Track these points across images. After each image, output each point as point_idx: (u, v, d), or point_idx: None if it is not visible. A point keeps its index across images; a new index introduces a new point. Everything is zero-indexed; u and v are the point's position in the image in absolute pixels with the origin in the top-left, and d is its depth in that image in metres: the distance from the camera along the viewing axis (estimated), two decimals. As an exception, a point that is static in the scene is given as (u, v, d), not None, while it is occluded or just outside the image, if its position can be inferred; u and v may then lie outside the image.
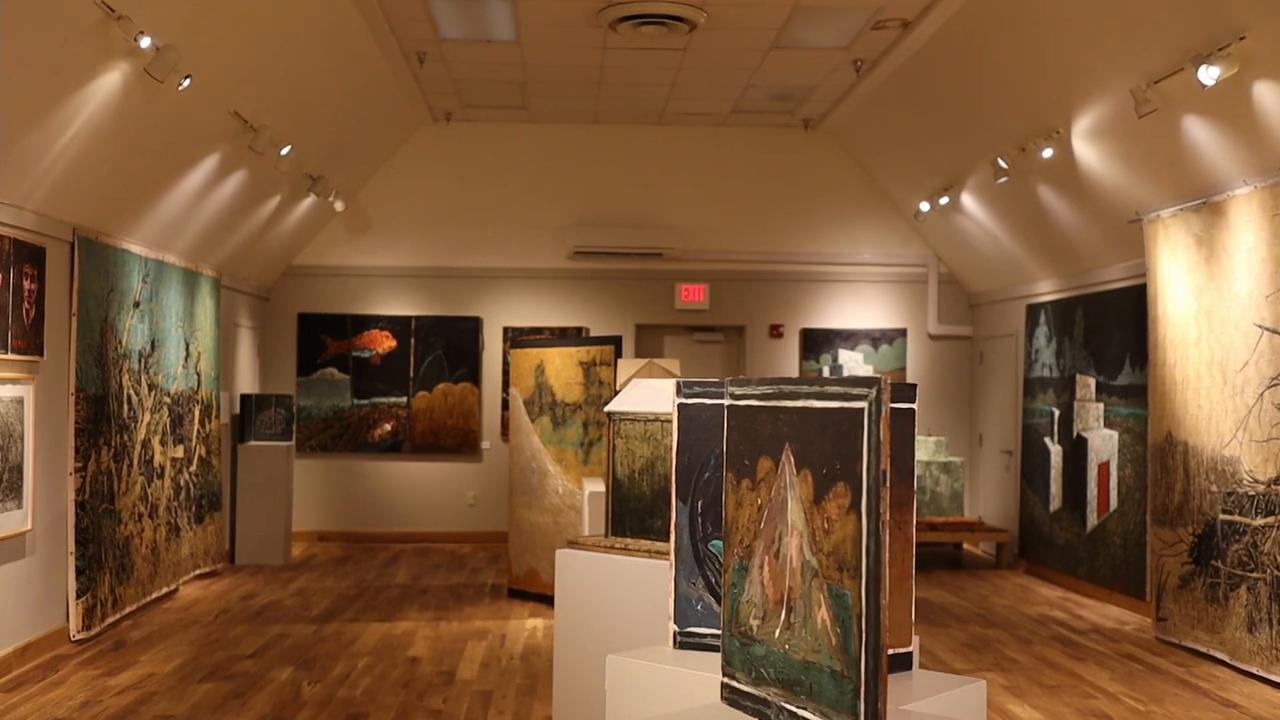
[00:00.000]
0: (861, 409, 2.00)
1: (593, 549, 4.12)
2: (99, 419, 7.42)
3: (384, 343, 11.88)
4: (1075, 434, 9.58)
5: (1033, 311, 10.53)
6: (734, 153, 12.03)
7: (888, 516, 1.97)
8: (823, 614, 2.07)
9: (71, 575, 7.05)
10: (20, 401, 6.45)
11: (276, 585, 9.36)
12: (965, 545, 11.69)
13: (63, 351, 7.03)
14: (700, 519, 2.78)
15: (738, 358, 12.38)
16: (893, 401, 2.35)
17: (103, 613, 7.41)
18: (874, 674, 1.96)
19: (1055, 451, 9.97)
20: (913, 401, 2.43)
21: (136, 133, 6.97)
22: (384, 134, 11.30)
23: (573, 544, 4.22)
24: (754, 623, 2.27)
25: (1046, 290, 10.29)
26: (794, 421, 2.16)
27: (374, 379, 11.87)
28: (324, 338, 11.87)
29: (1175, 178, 7.45)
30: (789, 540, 2.17)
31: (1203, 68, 6.09)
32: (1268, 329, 6.59)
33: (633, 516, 4.07)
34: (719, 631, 2.65)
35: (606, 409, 4.20)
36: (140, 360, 8.15)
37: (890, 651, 2.41)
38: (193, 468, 9.25)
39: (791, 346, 12.14)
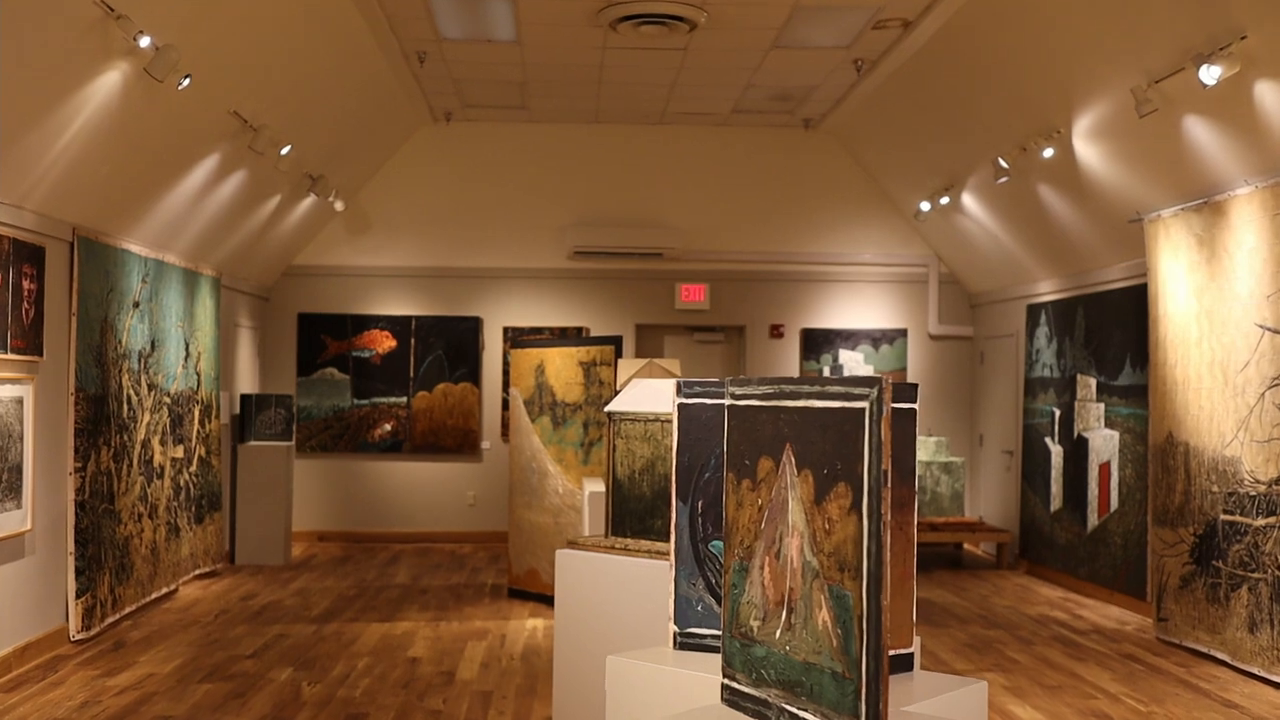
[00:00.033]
0: (863, 409, 1.99)
1: (593, 549, 4.11)
2: (99, 419, 7.42)
3: (384, 343, 11.88)
4: (1076, 434, 9.57)
5: (1033, 311, 10.52)
6: (734, 153, 12.03)
7: (889, 517, 1.96)
8: (824, 615, 2.06)
9: (71, 575, 7.05)
10: (20, 401, 6.44)
11: (276, 585, 9.35)
12: (966, 545, 11.68)
13: (62, 351, 7.02)
14: (700, 519, 2.78)
15: (738, 358, 12.37)
16: (894, 401, 2.34)
17: (102, 613, 7.40)
18: (875, 675, 1.96)
19: (1056, 452, 9.96)
20: (914, 401, 2.42)
21: (136, 132, 6.96)
22: (384, 134, 11.29)
23: (573, 544, 4.21)
24: (754, 624, 2.27)
25: (1047, 290, 10.28)
26: (795, 421, 2.15)
27: (374, 379, 11.86)
28: (324, 338, 11.87)
29: (1176, 177, 7.44)
30: (790, 541, 2.16)
31: (1204, 67, 6.08)
32: (1269, 329, 6.58)
33: (633, 517, 4.06)
34: (719, 632, 2.64)
35: (607, 409, 4.20)
36: (140, 360, 8.14)
37: (891, 652, 2.40)
38: (192, 468, 9.24)
39: (792, 347, 12.13)
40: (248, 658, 6.90)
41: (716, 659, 2.58)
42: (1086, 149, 8.15)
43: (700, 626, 2.75)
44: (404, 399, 11.86)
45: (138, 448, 8.10)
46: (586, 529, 6.94)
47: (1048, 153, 8.36)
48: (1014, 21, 7.71)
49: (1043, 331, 10.30)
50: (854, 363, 12.01)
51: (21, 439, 6.47)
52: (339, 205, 11.02)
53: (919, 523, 10.49)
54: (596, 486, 7.03)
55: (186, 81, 6.63)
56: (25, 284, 6.47)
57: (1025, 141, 8.62)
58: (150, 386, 8.33)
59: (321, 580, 9.63)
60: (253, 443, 10.50)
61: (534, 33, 8.87)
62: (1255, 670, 6.60)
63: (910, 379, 12.02)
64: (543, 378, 8.79)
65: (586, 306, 12.06)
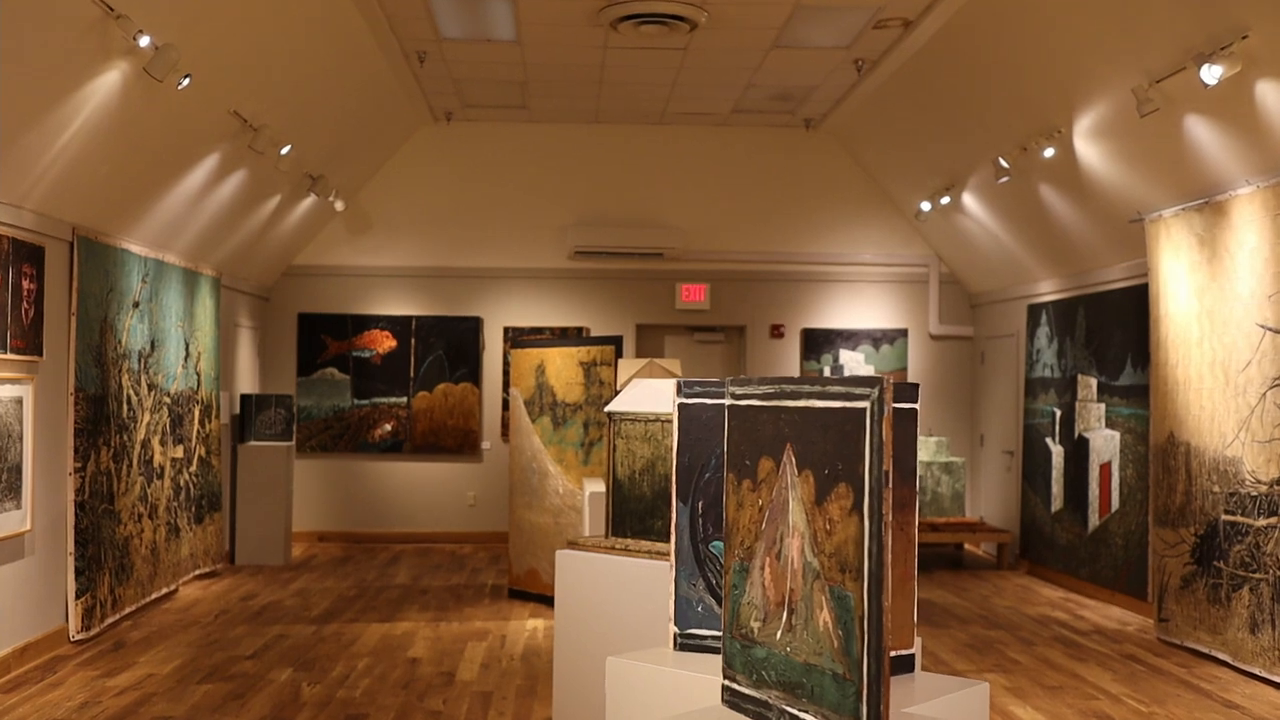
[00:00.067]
0: (864, 409, 1.98)
1: (593, 550, 4.10)
2: (98, 419, 7.41)
3: (384, 343, 11.87)
4: (1077, 434, 9.56)
5: (1034, 311, 10.51)
6: (735, 153, 12.02)
7: (890, 517, 1.95)
8: (824, 616, 2.05)
9: (71, 576, 7.04)
10: (19, 401, 6.43)
11: (276, 586, 9.34)
12: (966, 546, 11.67)
13: (62, 351, 7.01)
14: (701, 520, 2.77)
15: (738, 358, 12.36)
16: (895, 401, 2.34)
17: (102, 613, 7.39)
18: (876, 677, 1.95)
19: (1057, 452, 9.95)
20: (915, 401, 2.41)
21: (136, 132, 6.95)
22: (384, 134, 11.29)
23: (573, 544, 4.20)
24: (755, 625, 2.26)
25: (1048, 290, 10.27)
26: (795, 422, 2.14)
27: (374, 379, 11.85)
28: (324, 338, 11.86)
29: (1177, 177, 7.43)
30: (790, 541, 2.15)
31: (1205, 67, 6.07)
32: (1270, 329, 6.57)
33: (633, 517, 4.05)
34: (720, 633, 2.63)
35: (607, 409, 4.19)
36: (140, 360, 8.13)
37: (892, 654, 2.39)
38: (192, 468, 9.23)
39: (792, 346, 12.13)
40: (247, 658, 6.89)
41: (717, 660, 2.57)
42: (1087, 149, 8.14)
43: (700, 627, 2.74)
44: (404, 399, 11.86)
45: (137, 448, 8.09)
46: (587, 529, 6.93)
47: (1048, 152, 8.35)
48: (1015, 21, 7.70)
49: (1043, 331, 10.29)
50: (854, 363, 12.00)
51: (21, 439, 6.46)
52: (339, 205, 11.01)
53: (919, 523, 10.50)
54: (597, 487, 7.02)
55: (186, 81, 6.62)
56: (25, 284, 6.47)
57: (1026, 141, 8.61)
58: (150, 386, 8.33)
59: (321, 581, 9.62)
60: (253, 443, 10.49)
61: (534, 32, 8.86)
62: (1256, 671, 6.59)
63: (911, 379, 12.01)
64: (543, 378, 8.78)
65: (587, 306, 12.06)
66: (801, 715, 2.11)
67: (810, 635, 2.09)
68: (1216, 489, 7.10)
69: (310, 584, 9.45)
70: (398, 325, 11.87)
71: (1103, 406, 9.15)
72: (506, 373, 11.71)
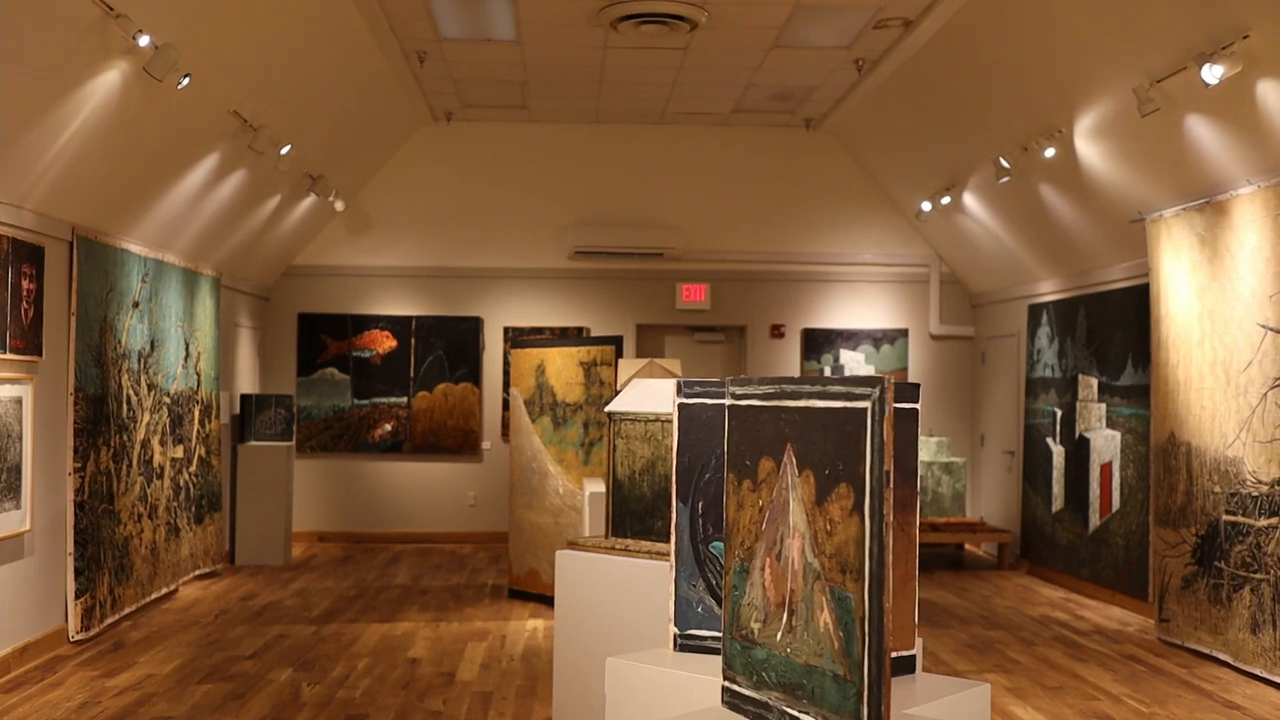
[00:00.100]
0: (864, 409, 1.97)
1: (593, 550, 4.09)
2: (98, 419, 7.40)
3: (384, 343, 11.86)
4: (1077, 434, 9.55)
5: (1035, 311, 10.51)
6: (735, 153, 12.01)
7: (891, 518, 1.94)
8: (825, 617, 2.04)
9: (70, 576, 7.03)
10: (19, 401, 6.42)
11: (276, 586, 9.33)
12: (967, 546, 11.66)
13: (61, 351, 7.01)
14: (701, 520, 2.76)
15: (739, 358, 12.36)
16: (896, 401, 2.33)
17: (102, 613, 7.39)
18: (877, 678, 1.94)
19: (1057, 452, 9.94)
20: (916, 401, 2.40)
21: (135, 132, 6.95)
22: (384, 134, 11.28)
23: (573, 545, 4.20)
24: (755, 626, 2.25)
25: (1048, 290, 10.26)
26: (796, 422, 2.14)
27: (374, 379, 11.85)
28: (324, 338, 11.85)
29: (1178, 177, 7.42)
30: (791, 542, 2.15)
31: (1206, 66, 6.06)
32: (1271, 329, 6.56)
33: (633, 517, 4.04)
34: (720, 634, 2.63)
35: (607, 409, 4.18)
36: (140, 360, 8.12)
37: (893, 655, 2.38)
38: (192, 468, 9.23)
39: (793, 346, 12.12)
40: (247, 658, 6.88)
41: (717, 661, 2.56)
42: (1088, 148, 8.13)
43: (700, 628, 2.73)
44: (404, 399, 11.85)
45: (137, 448, 8.08)
46: (587, 529, 6.93)
47: (1049, 152, 8.34)
48: (1015, 21, 7.69)
49: (1044, 331, 10.28)
50: (855, 363, 12.00)
51: (21, 439, 6.45)
52: (339, 205, 11.01)
53: (920, 523, 10.48)
54: (597, 487, 7.01)
55: (186, 81, 6.62)
56: (24, 284, 6.46)
57: (1027, 141, 8.60)
58: (150, 386, 8.32)
59: (321, 581, 9.61)
60: (253, 443, 10.49)
61: (534, 32, 8.85)
62: (1257, 671, 6.58)
63: (911, 379, 11.99)
64: (543, 378, 8.77)
65: (587, 306, 12.05)
66: (802, 717, 2.10)
67: (811, 636, 2.08)
68: (1217, 489, 7.10)
69: (310, 584, 9.44)
70: (398, 325, 11.86)
71: (1103, 406, 9.14)
72: (506, 373, 11.70)
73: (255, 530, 10.34)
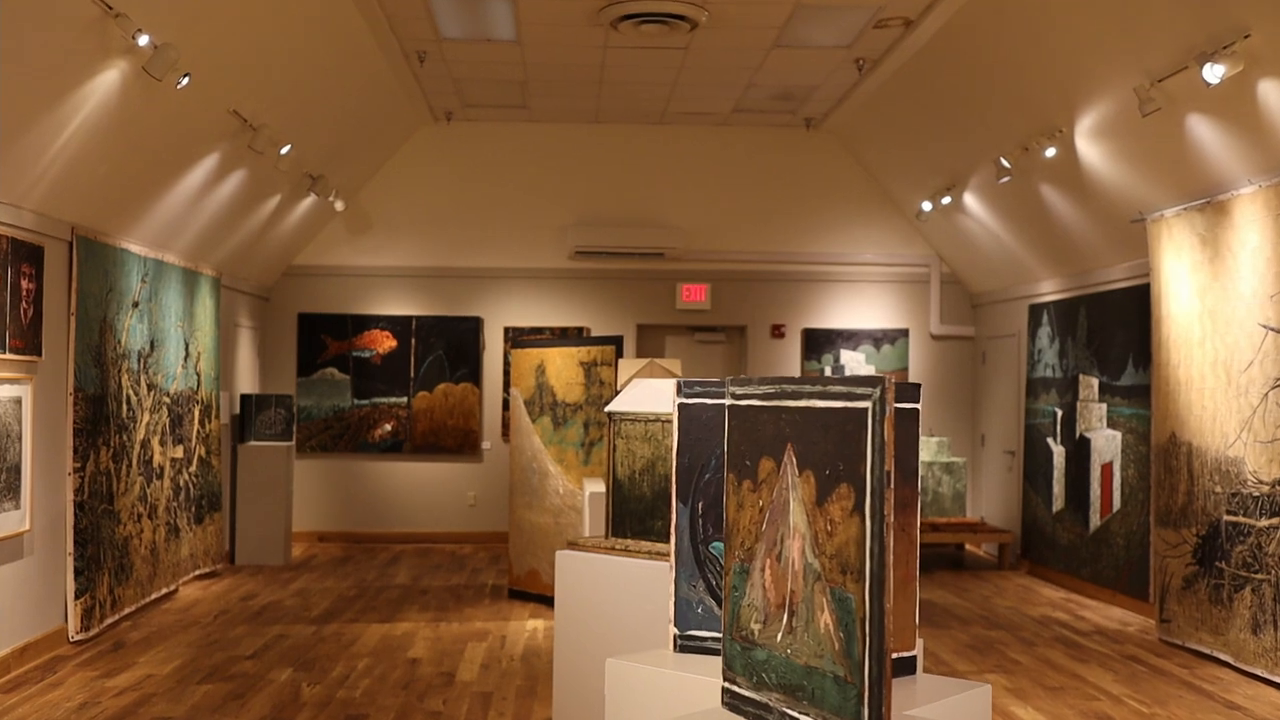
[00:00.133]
0: (865, 409, 1.96)
1: (593, 550, 4.09)
2: (98, 419, 7.40)
3: (384, 343, 11.86)
4: (1078, 434, 9.54)
5: (1035, 311, 10.50)
6: (735, 152, 12.00)
7: (892, 518, 1.93)
8: (825, 618, 2.04)
9: (70, 576, 7.02)
10: (18, 401, 6.42)
11: (276, 586, 9.33)
12: (967, 546, 11.65)
13: (61, 351, 7.00)
14: (701, 520, 2.75)
15: (739, 358, 12.35)
16: (897, 401, 2.32)
17: (101, 614, 7.38)
18: (878, 679, 1.93)
19: (1058, 452, 9.93)
20: (917, 401, 2.40)
21: (135, 131, 6.94)
22: (384, 133, 11.27)
23: (573, 545, 4.19)
24: (755, 626, 2.24)
25: (1049, 290, 10.25)
26: (796, 422, 2.13)
27: (374, 379, 11.84)
28: (324, 338, 11.85)
29: (1179, 177, 7.41)
30: (791, 543, 2.14)
31: (1207, 66, 6.05)
32: (1272, 329, 6.55)
33: (633, 517, 4.03)
34: (720, 635, 2.62)
35: (607, 409, 4.17)
36: (139, 360, 8.12)
37: (894, 656, 2.37)
38: (192, 468, 9.22)
39: (793, 347, 12.11)
40: (247, 658, 6.88)
41: (717, 662, 2.55)
42: (1089, 148, 8.13)
43: (701, 629, 2.72)
44: (404, 399, 11.84)
45: (137, 448, 8.07)
46: (587, 529, 6.92)
47: (1050, 152, 8.33)
48: (1016, 20, 7.68)
49: (1045, 331, 10.27)
50: (855, 363, 11.99)
51: (20, 439, 6.45)
52: (339, 205, 11.00)
53: (920, 523, 10.46)
54: (597, 487, 7.00)
55: (185, 80, 6.61)
56: (24, 283, 6.45)
57: (1027, 141, 8.59)
58: (150, 386, 8.31)
59: (321, 581, 9.60)
60: (253, 443, 10.48)
61: (534, 32, 8.84)
62: (1258, 672, 6.58)
63: (912, 379, 11.98)
64: (543, 378, 8.77)
65: (587, 306, 12.04)
66: (802, 718, 2.10)
67: (811, 637, 2.08)
68: (1218, 489, 7.09)
69: (310, 584, 9.43)
70: (398, 325, 11.86)
71: (1104, 406, 9.13)
72: (507, 373, 11.69)
73: (255, 530, 10.34)
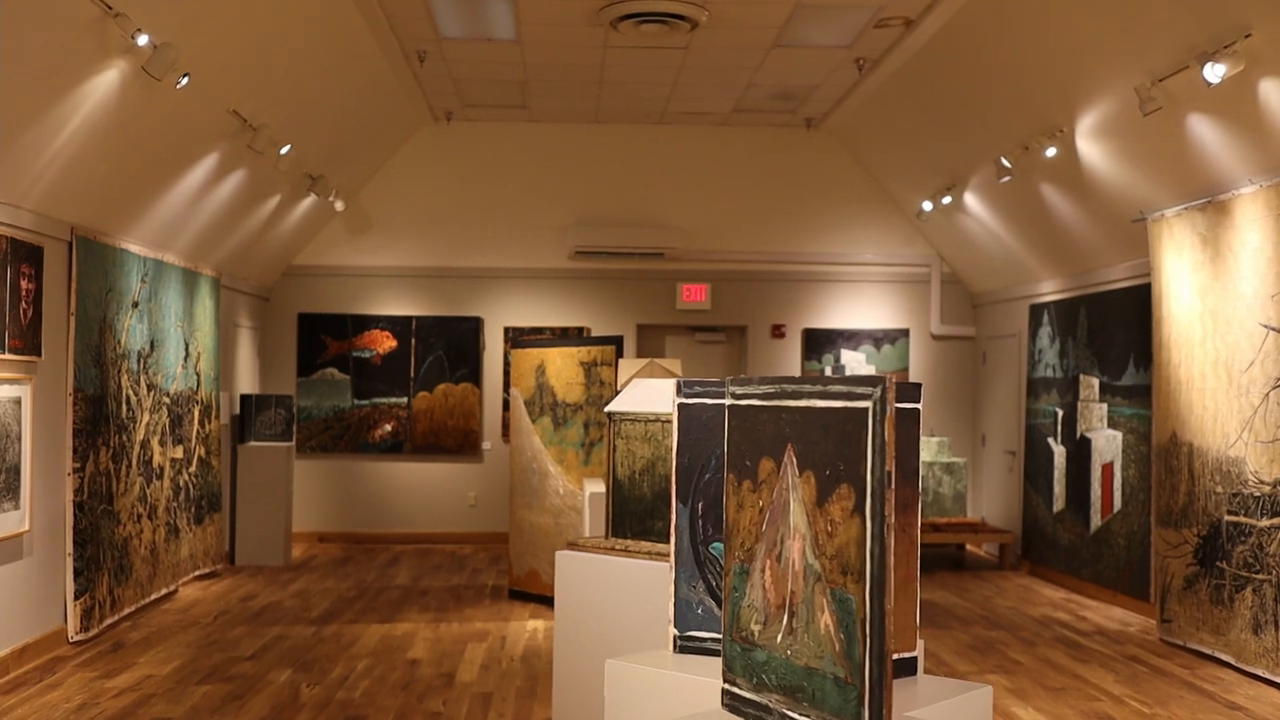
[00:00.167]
0: (866, 409, 1.95)
1: (593, 550, 4.08)
2: (97, 419, 7.39)
3: (384, 343, 11.85)
4: (1079, 434, 9.53)
5: (1036, 311, 10.49)
6: (736, 152, 11.99)
7: (892, 519, 1.92)
8: (826, 619, 2.03)
9: (69, 576, 7.02)
10: (18, 402, 6.41)
11: (276, 586, 9.32)
12: (968, 546, 11.65)
13: (60, 351, 6.99)
14: (701, 521, 2.74)
15: (739, 358, 12.34)
16: (897, 401, 2.31)
17: (101, 614, 7.37)
18: (879, 680, 1.92)
19: (1059, 452, 9.92)
20: (917, 401, 2.39)
21: (134, 131, 6.93)
22: (384, 133, 11.26)
23: (572, 545, 4.18)
24: (755, 627, 2.23)
25: (1050, 290, 10.24)
26: (796, 422, 2.12)
27: (374, 379, 11.83)
28: (324, 338, 11.84)
29: (1180, 176, 7.40)
30: (791, 543, 2.13)
31: (1208, 65, 6.05)
32: (1273, 329, 6.54)
33: (633, 518, 4.02)
34: (720, 636, 2.61)
35: (607, 409, 4.16)
36: (139, 360, 8.11)
37: (895, 657, 2.36)
38: (192, 468, 9.21)
39: (793, 347, 12.10)
40: (247, 659, 6.87)
41: (717, 663, 2.54)
42: (1089, 148, 8.12)
43: (700, 630, 2.72)
44: (404, 399, 11.83)
45: (137, 448, 8.07)
46: (587, 530, 6.91)
47: (1050, 152, 8.32)
48: (1016, 20, 7.67)
49: (1045, 331, 10.26)
50: (856, 363, 11.98)
51: (19, 439, 6.44)
52: (339, 205, 10.99)
53: (920, 524, 10.43)
54: (597, 487, 7.00)
55: (185, 80, 6.60)
56: (23, 284, 6.45)
57: (1028, 140, 8.58)
58: (149, 387, 8.31)
59: (321, 581, 9.60)
60: (253, 443, 10.47)
61: (534, 32, 8.83)
62: (1259, 672, 6.57)
63: (912, 379, 11.97)
64: (543, 378, 8.76)
65: (587, 306, 12.03)
66: (802, 719, 2.09)
67: (811, 638, 2.07)
68: (1219, 489, 7.08)
69: (310, 585, 9.42)
70: (398, 325, 11.85)
71: (1105, 406, 9.12)
72: (507, 373, 11.68)
73: (255, 531, 10.33)
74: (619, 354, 8.42)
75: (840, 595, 1.99)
